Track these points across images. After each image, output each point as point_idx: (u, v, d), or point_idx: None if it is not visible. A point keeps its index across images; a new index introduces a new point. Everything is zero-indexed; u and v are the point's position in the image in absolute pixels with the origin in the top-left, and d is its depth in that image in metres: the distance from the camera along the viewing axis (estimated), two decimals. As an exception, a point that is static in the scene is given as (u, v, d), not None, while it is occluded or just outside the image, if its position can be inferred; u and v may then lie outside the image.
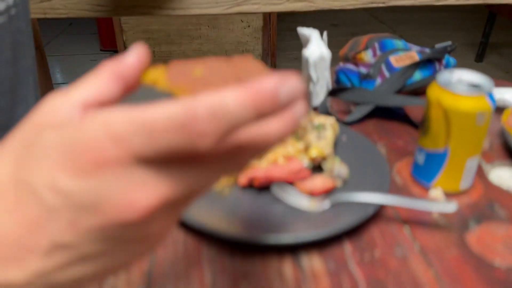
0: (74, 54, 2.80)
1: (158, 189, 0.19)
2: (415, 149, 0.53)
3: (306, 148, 0.55)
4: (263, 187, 0.50)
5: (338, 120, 0.66)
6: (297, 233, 0.42)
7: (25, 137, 0.21)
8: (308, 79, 0.72)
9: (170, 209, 0.20)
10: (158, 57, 2.46)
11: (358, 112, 0.69)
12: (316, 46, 0.70)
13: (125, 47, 2.37)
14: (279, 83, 0.20)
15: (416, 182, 0.53)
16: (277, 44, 2.42)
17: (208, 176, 0.20)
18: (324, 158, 0.52)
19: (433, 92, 0.48)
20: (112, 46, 2.57)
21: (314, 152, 0.52)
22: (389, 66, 0.72)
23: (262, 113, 0.20)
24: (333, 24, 3.34)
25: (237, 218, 0.45)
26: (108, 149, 0.18)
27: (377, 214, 0.47)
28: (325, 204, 0.47)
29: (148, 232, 0.20)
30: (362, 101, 0.69)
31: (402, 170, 0.56)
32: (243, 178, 0.49)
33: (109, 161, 0.18)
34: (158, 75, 0.25)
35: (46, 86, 1.20)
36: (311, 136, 0.54)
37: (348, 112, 0.72)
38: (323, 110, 0.67)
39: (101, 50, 2.79)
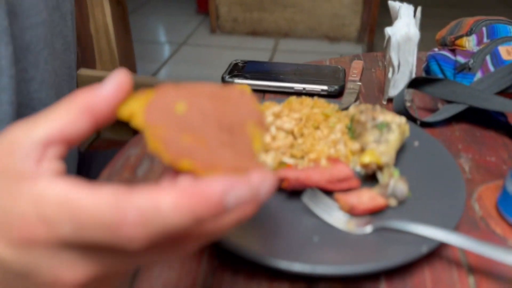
0: (171, 14, 2.85)
1: (84, 269, 0.20)
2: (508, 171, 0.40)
3: (362, 151, 0.44)
4: (296, 192, 0.41)
5: (415, 119, 0.54)
6: (318, 262, 0.33)
7: None
8: (388, 63, 0.59)
9: (99, 282, 0.21)
10: (249, 24, 2.39)
11: (445, 111, 0.55)
12: (403, 24, 0.57)
13: (216, 11, 2.34)
14: (227, 189, 0.19)
15: (502, 216, 0.40)
16: (378, 19, 2.21)
17: (137, 262, 0.21)
18: (380, 168, 0.41)
19: (548, 101, 0.34)
20: (207, 9, 2.55)
21: (367, 158, 0.41)
22: (497, 58, 0.56)
23: (202, 220, 0.19)
24: (451, 4, 2.98)
25: (249, 226, 0.37)
26: (37, 229, 0.19)
27: (434, 251, 0.36)
28: (367, 227, 0.37)
29: None
30: (452, 98, 0.55)
31: (485, 197, 0.43)
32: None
33: (38, 240, 0.19)
34: (136, 108, 0.23)
35: (126, 43, 1.21)
36: (370, 137, 0.43)
37: (433, 110, 0.58)
38: (398, 104, 0.55)
39: (197, 12, 2.80)
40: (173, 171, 0.23)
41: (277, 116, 0.48)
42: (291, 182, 0.39)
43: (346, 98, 0.57)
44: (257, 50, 2.28)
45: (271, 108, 0.49)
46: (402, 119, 0.45)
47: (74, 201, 0.18)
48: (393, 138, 0.43)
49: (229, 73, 0.64)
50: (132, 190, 0.19)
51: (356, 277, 0.34)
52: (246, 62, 0.69)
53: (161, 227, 0.18)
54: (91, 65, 1.25)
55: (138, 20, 2.70)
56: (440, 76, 0.60)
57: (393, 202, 0.39)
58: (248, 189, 0.19)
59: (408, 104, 0.60)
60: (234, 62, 0.69)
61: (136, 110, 0.23)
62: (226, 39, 2.43)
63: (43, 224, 0.19)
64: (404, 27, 0.56)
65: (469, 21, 0.61)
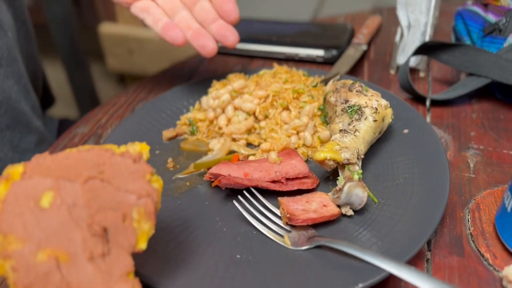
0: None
1: None
2: (516, 179, 0.30)
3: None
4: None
5: (422, 96, 0.43)
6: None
7: None
8: (398, 24, 0.48)
9: None
10: None
11: (462, 87, 0.44)
12: (416, -27, 0.45)
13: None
14: None
15: (498, 237, 0.30)
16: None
17: None
18: (341, 165, 0.33)
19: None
20: None
21: (321, 154, 0.32)
22: (541, 16, 0.43)
23: None
24: None
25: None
26: None
27: (385, 284, 0.28)
28: (303, 242, 0.29)
29: None
30: (473, 70, 0.43)
31: (485, 206, 0.33)
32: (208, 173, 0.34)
33: None
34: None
35: None
36: (338, 124, 0.35)
37: (453, 83, 0.47)
38: (402, 76, 0.44)
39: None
40: None
41: (238, 93, 0.40)
42: (221, 181, 0.32)
43: (338, 67, 0.47)
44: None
45: (230, 84, 0.41)
46: (383, 102, 0.35)
47: None
48: (364, 128, 0.34)
49: (216, 35, 0.56)
50: None
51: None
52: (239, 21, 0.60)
53: None
54: (113, 19, 1.21)
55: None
56: (467, 39, 0.48)
57: (348, 211, 0.31)
58: None
59: (421, 74, 0.49)
60: (227, 21, 0.60)
61: None
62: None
63: None
64: (415, -23, 0.44)
65: (512, -34, 0.47)
